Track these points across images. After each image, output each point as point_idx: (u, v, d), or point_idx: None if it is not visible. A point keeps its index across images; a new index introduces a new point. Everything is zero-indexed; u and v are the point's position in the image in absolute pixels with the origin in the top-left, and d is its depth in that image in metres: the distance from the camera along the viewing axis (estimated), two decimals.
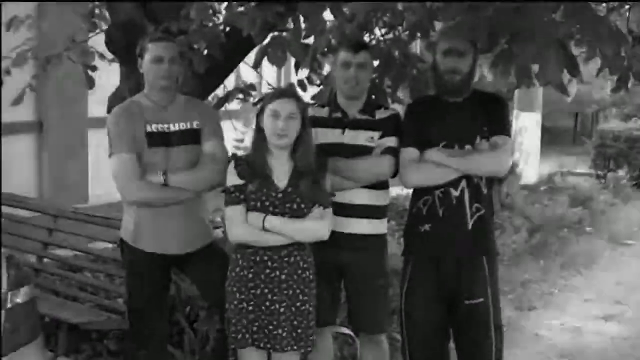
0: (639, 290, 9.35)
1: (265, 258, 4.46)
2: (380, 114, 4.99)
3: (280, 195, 4.44)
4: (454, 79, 4.73)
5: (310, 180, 4.46)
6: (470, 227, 4.71)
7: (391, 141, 4.87)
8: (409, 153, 4.77)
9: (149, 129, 4.81)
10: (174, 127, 4.87)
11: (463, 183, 4.69)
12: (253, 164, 4.48)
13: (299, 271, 4.51)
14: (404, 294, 4.89)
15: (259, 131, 4.50)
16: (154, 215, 4.84)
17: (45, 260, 6.84)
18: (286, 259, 4.47)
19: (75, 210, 7.07)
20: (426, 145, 4.73)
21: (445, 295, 4.77)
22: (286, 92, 4.69)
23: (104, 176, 5.21)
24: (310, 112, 5.05)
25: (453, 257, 4.74)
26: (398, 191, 11.50)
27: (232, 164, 4.52)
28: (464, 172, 4.66)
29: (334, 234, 4.69)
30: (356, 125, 4.94)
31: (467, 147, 4.71)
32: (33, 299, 4.43)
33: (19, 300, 4.30)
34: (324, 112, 5.05)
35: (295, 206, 4.44)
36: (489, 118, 4.76)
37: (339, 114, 4.98)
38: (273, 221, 4.41)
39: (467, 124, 4.75)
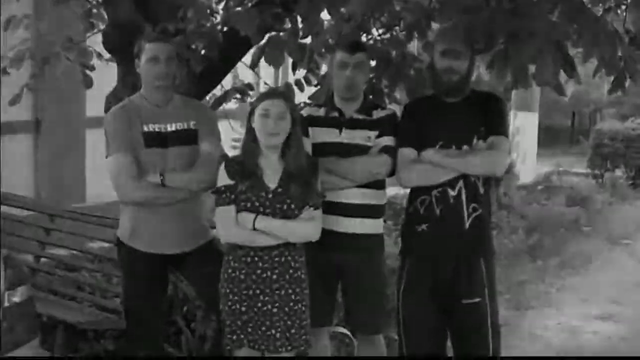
0: (636, 290, 9.37)
1: (257, 259, 4.46)
2: (377, 114, 4.99)
3: (270, 195, 4.43)
4: (451, 79, 4.72)
5: (301, 181, 4.46)
6: (467, 226, 4.71)
7: (388, 140, 4.87)
8: (407, 153, 4.77)
9: (145, 129, 4.81)
10: (171, 127, 4.87)
11: (460, 183, 4.69)
12: (243, 165, 4.48)
13: (291, 271, 4.50)
14: (401, 293, 4.88)
15: (250, 131, 4.51)
16: (151, 215, 4.84)
17: (42, 259, 6.84)
18: (277, 259, 4.47)
19: (73, 209, 7.07)
20: (423, 145, 4.73)
21: (442, 295, 4.76)
22: (276, 92, 4.71)
23: (102, 176, 5.20)
24: (307, 112, 5.06)
25: (450, 257, 4.74)
26: (396, 191, 11.50)
27: (222, 165, 4.53)
28: (462, 172, 4.66)
29: (330, 233, 4.70)
30: (353, 124, 4.94)
31: (465, 147, 4.71)
32: (30, 298, 4.45)
33: (16, 299, 4.32)
34: (320, 112, 5.04)
35: (285, 207, 4.44)
36: (487, 118, 4.76)
37: (335, 114, 4.98)
38: (264, 221, 4.41)
39: (465, 124, 4.75)
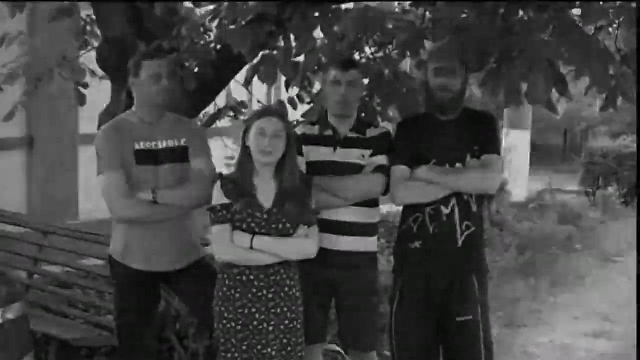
0: (627, 307, 9.35)
1: (252, 277, 4.45)
2: (371, 132, 5.00)
3: (265, 215, 4.43)
4: (445, 96, 4.74)
5: (295, 200, 4.47)
6: (460, 244, 4.73)
7: (382, 159, 4.88)
8: (400, 171, 4.78)
9: (137, 146, 4.81)
10: (162, 144, 4.87)
11: (453, 200, 4.70)
12: (238, 183, 4.48)
13: (286, 288, 4.51)
14: (394, 311, 4.89)
15: (245, 149, 4.52)
16: (143, 233, 4.84)
17: (35, 276, 6.84)
18: (272, 277, 4.47)
19: (66, 226, 7.07)
20: (417, 163, 4.74)
21: (435, 313, 4.77)
22: (272, 111, 4.71)
23: (94, 192, 5.21)
24: (301, 129, 5.07)
25: (443, 274, 4.75)
26: (388, 208, 11.48)
27: (218, 183, 4.53)
28: (455, 189, 4.68)
29: (323, 251, 4.70)
30: (347, 143, 4.95)
31: (458, 165, 4.73)
32: (24, 315, 4.44)
33: (10, 316, 4.31)
34: (314, 129, 5.05)
35: (280, 226, 4.44)
36: (480, 137, 4.78)
37: (329, 132, 4.99)
38: (261, 241, 4.42)
39: (458, 141, 4.76)
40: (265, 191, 4.47)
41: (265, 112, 4.63)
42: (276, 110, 4.73)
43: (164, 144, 4.88)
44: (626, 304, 9.55)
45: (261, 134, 4.40)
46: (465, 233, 4.73)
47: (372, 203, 4.98)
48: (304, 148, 4.91)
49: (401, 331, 4.87)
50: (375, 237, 5.08)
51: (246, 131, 4.49)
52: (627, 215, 16.12)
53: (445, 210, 4.70)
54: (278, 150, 4.43)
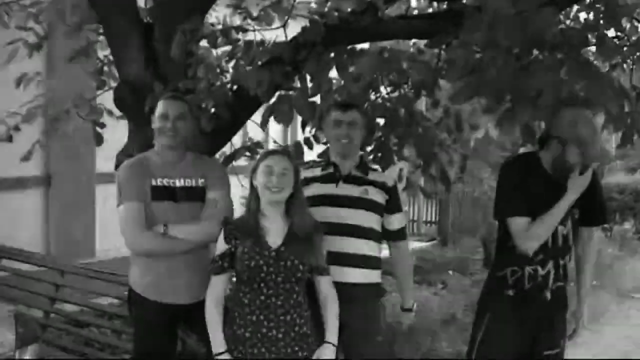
0: None
1: (262, 317, 4.40)
2: (373, 175, 5.04)
3: (273, 253, 4.42)
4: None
5: (305, 240, 4.46)
6: (549, 297, 4.82)
7: (402, 219, 5.03)
8: (521, 224, 4.73)
9: (154, 183, 4.85)
10: (180, 182, 4.90)
11: (550, 264, 4.79)
12: (246, 224, 4.49)
13: (296, 328, 4.43)
14: (478, 342, 4.94)
15: (253, 190, 4.53)
16: (161, 265, 4.85)
17: (52, 315, 6.85)
18: (282, 317, 4.41)
19: (83, 265, 7.09)
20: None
21: (521, 346, 4.85)
22: (277, 150, 4.73)
23: (111, 231, 5.23)
24: (302, 174, 5.03)
25: (532, 320, 4.83)
26: None
27: (222, 231, 4.55)
28: None
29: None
30: (350, 180, 4.96)
31: (560, 227, 4.77)
32: (41, 357, 4.45)
33: (27, 357, 4.33)
34: (316, 171, 5.05)
35: (289, 264, 4.41)
36: (585, 203, 4.81)
37: (331, 170, 5.01)
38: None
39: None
40: (274, 232, 4.46)
41: (273, 151, 4.65)
42: (282, 150, 4.74)
43: (182, 182, 4.90)
44: None
45: (269, 172, 4.41)
46: (553, 288, 4.84)
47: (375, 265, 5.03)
48: (305, 190, 4.87)
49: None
50: (379, 271, 5.08)
51: (254, 171, 4.51)
52: None
53: (541, 272, 4.79)
54: (286, 188, 4.44)
